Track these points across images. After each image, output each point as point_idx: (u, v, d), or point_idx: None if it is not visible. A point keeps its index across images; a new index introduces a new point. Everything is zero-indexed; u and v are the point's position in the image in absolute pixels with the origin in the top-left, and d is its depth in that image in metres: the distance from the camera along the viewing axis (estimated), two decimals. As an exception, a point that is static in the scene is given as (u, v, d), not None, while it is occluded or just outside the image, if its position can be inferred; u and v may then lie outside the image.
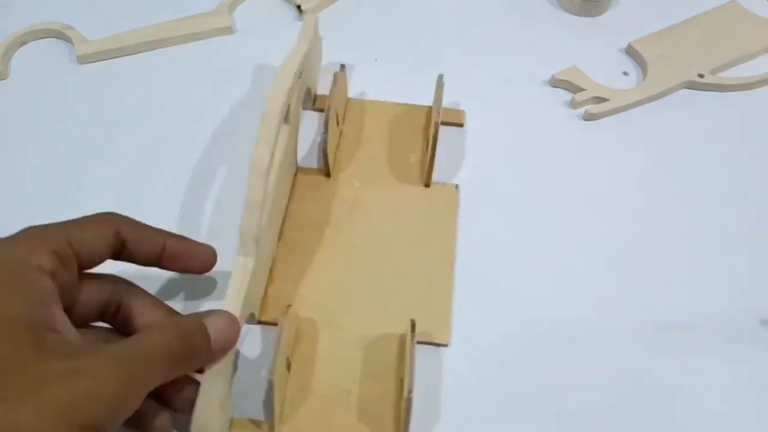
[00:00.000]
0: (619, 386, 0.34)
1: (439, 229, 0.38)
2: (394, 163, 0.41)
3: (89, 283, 0.28)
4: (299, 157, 0.42)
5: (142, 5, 0.52)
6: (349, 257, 0.37)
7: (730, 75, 0.47)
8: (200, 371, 0.28)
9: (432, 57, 0.48)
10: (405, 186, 0.40)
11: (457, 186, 0.40)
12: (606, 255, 0.39)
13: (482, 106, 0.45)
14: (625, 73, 0.48)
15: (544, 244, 0.39)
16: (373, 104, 0.44)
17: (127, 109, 0.45)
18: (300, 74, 0.36)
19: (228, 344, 0.27)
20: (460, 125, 0.44)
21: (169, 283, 0.36)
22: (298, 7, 0.51)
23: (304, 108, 0.44)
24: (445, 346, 0.34)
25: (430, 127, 0.40)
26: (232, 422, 0.31)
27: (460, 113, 0.44)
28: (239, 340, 0.29)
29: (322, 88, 0.45)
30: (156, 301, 0.30)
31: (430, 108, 0.44)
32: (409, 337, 0.31)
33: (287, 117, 0.36)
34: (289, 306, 0.32)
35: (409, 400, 0.29)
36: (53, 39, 0.50)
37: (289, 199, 0.39)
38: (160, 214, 0.40)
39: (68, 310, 0.25)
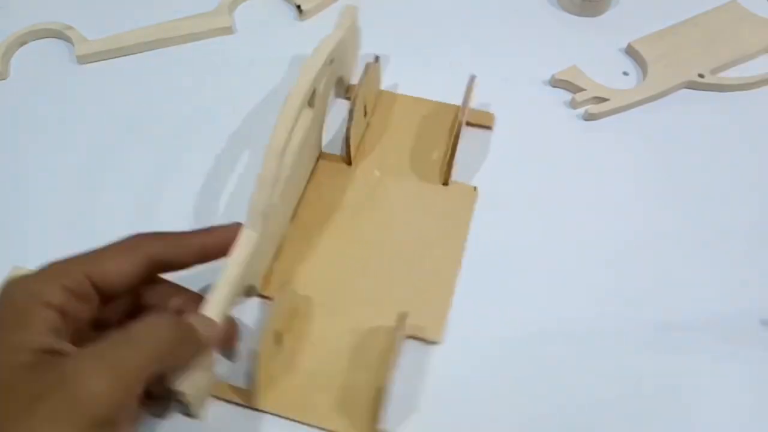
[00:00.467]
0: (618, 386, 0.34)
1: (451, 229, 0.39)
2: (415, 159, 0.41)
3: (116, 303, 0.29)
4: (324, 143, 0.42)
5: (142, 5, 0.52)
6: (357, 245, 0.38)
7: (730, 75, 0.47)
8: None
9: (432, 57, 0.48)
10: (424, 182, 0.40)
11: (475, 188, 0.40)
12: (606, 255, 0.39)
13: (482, 106, 0.45)
14: (625, 73, 0.48)
15: (543, 244, 0.39)
16: (405, 99, 0.45)
17: (127, 109, 0.45)
18: (331, 61, 0.37)
19: (214, 335, 0.29)
20: (489, 128, 0.44)
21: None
22: (298, 7, 0.51)
23: (337, 96, 0.44)
24: (437, 343, 0.35)
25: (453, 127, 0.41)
26: (214, 385, 0.32)
27: (489, 116, 0.44)
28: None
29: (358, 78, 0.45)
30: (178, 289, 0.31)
31: (458, 108, 0.43)
32: (396, 328, 0.32)
33: (312, 101, 0.36)
34: (287, 282, 0.33)
35: (385, 390, 0.30)
36: (53, 39, 0.50)
37: (308, 182, 0.40)
38: (159, 214, 0.40)
39: (95, 325, 0.28)
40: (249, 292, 0.35)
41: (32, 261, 0.37)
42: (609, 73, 0.48)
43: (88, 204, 0.40)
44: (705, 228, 0.40)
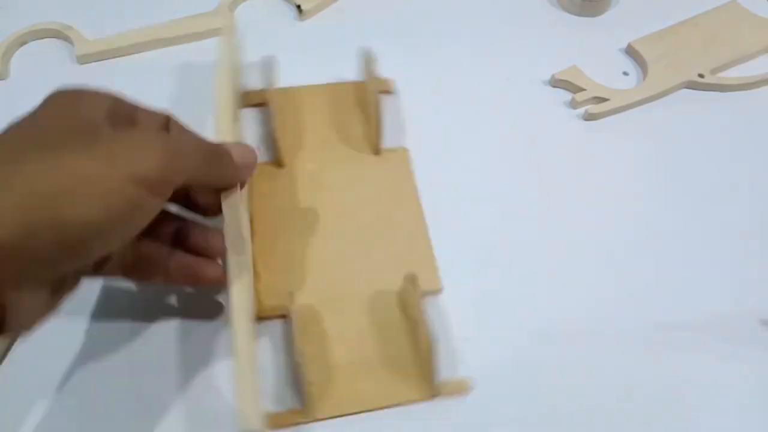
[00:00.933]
0: (619, 385, 0.34)
1: (400, 190, 0.40)
2: (340, 140, 0.42)
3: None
4: None
5: (142, 5, 0.52)
6: (324, 236, 0.38)
7: (730, 75, 0.47)
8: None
9: (432, 57, 0.48)
10: (357, 158, 0.41)
11: (405, 149, 0.42)
12: (605, 255, 0.39)
13: (482, 106, 0.45)
14: (625, 73, 0.48)
15: (543, 243, 0.39)
16: (304, 90, 0.45)
17: (127, 109, 0.45)
18: (233, 88, 0.39)
19: (249, 162, 0.31)
20: (390, 93, 0.45)
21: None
22: (298, 6, 0.51)
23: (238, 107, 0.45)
24: (439, 292, 0.36)
25: (366, 99, 0.42)
26: (266, 416, 0.32)
27: (389, 82, 0.46)
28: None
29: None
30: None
31: (358, 83, 0.45)
32: (411, 291, 0.33)
33: (235, 115, 0.37)
34: (291, 293, 0.34)
35: (433, 347, 0.31)
36: (53, 39, 0.50)
37: (250, 196, 0.39)
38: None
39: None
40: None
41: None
42: (609, 73, 0.48)
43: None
44: (705, 227, 0.40)
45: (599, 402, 0.33)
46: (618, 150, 0.43)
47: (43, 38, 0.50)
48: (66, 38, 0.49)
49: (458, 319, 0.36)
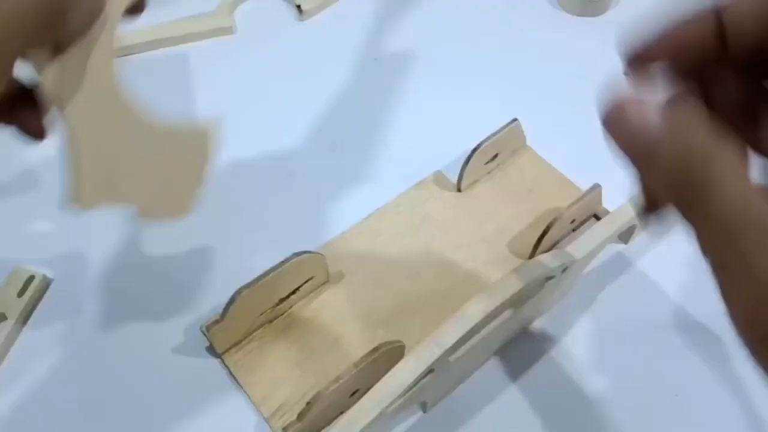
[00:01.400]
0: (617, 383, 0.34)
1: None
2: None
3: None
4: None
5: (142, 5, 0.52)
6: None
7: None
8: None
9: (432, 57, 0.48)
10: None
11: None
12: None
13: (482, 104, 0.45)
14: (626, 74, 0.48)
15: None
16: (537, 160, 0.42)
17: (128, 109, 0.45)
18: None
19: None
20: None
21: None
22: (298, 7, 0.51)
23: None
24: None
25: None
26: None
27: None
28: None
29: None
30: None
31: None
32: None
33: None
34: (311, 253, 0.33)
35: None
36: (53, 39, 0.50)
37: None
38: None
39: None
40: None
41: (34, 260, 0.37)
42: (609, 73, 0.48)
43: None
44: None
45: (599, 401, 0.33)
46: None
47: (43, 38, 0.50)
48: (66, 38, 0.49)
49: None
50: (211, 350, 0.33)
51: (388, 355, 0.30)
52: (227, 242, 0.38)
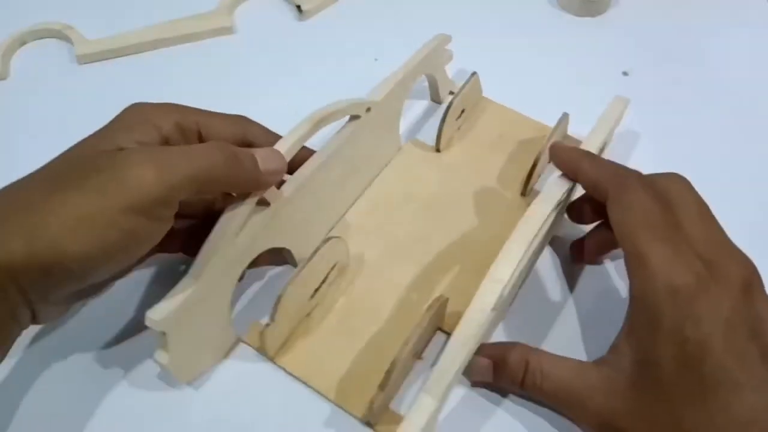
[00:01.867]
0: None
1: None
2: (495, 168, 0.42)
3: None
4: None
5: (142, 5, 0.52)
6: (423, 227, 0.38)
7: None
8: (262, 202, 0.31)
9: (432, 57, 0.48)
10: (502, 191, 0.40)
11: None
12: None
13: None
14: (625, 74, 0.48)
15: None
16: (497, 107, 0.45)
17: (127, 109, 0.45)
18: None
19: (274, 167, 0.30)
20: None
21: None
22: (298, 7, 0.51)
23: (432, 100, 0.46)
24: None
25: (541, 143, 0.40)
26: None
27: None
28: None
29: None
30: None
31: (540, 125, 0.44)
32: (430, 312, 0.31)
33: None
34: (333, 238, 0.33)
35: (395, 368, 0.29)
36: (53, 39, 0.50)
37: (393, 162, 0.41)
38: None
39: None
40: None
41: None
42: (609, 73, 0.48)
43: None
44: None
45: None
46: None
47: (43, 38, 0.50)
48: (66, 38, 0.49)
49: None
50: (259, 354, 0.33)
51: (439, 311, 0.32)
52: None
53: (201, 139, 0.31)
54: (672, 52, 0.50)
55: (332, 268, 0.34)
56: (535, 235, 0.30)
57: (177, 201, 0.27)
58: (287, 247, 0.35)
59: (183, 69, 0.48)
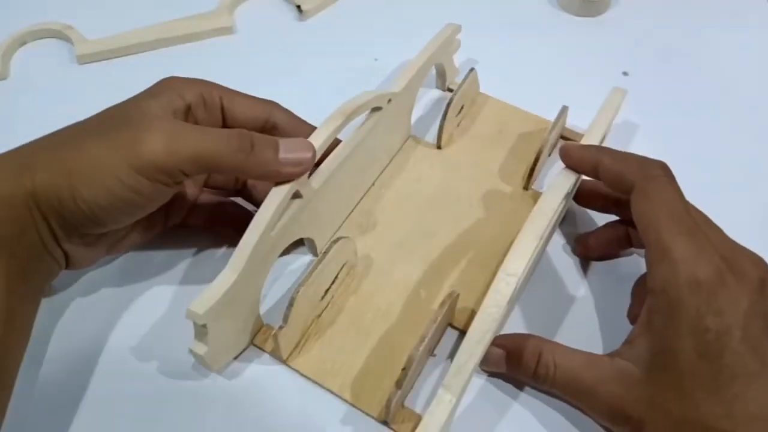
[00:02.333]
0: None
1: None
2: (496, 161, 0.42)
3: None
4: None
5: (142, 5, 0.52)
6: (426, 222, 0.38)
7: None
8: (296, 195, 0.31)
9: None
10: (502, 184, 0.40)
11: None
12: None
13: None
14: (625, 74, 0.48)
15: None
16: (495, 102, 0.45)
17: (127, 109, 0.45)
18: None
19: (297, 158, 0.30)
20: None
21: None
22: (298, 7, 0.51)
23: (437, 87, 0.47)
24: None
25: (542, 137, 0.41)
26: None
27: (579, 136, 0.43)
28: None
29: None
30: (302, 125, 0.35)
31: (541, 119, 0.44)
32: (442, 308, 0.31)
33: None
34: (342, 238, 0.33)
35: (410, 368, 0.29)
36: (53, 39, 0.50)
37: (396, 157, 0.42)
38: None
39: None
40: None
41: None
42: (609, 72, 0.48)
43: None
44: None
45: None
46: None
47: (43, 38, 0.50)
48: (66, 38, 0.49)
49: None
50: (272, 357, 0.33)
51: (452, 306, 0.32)
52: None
53: (224, 114, 0.33)
54: (672, 52, 0.50)
55: (341, 268, 0.34)
56: (545, 228, 0.30)
57: (179, 173, 0.28)
58: (312, 237, 0.35)
59: (183, 69, 0.47)
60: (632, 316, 0.34)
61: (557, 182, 0.33)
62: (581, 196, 0.37)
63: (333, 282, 0.34)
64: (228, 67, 0.48)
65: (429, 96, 0.46)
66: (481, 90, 0.45)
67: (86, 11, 0.51)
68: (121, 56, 0.48)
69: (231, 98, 0.33)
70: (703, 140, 0.44)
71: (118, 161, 0.27)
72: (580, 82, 0.47)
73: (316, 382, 0.32)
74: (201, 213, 0.36)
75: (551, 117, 0.41)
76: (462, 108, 0.43)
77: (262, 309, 0.34)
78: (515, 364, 0.31)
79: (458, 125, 0.43)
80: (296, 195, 0.32)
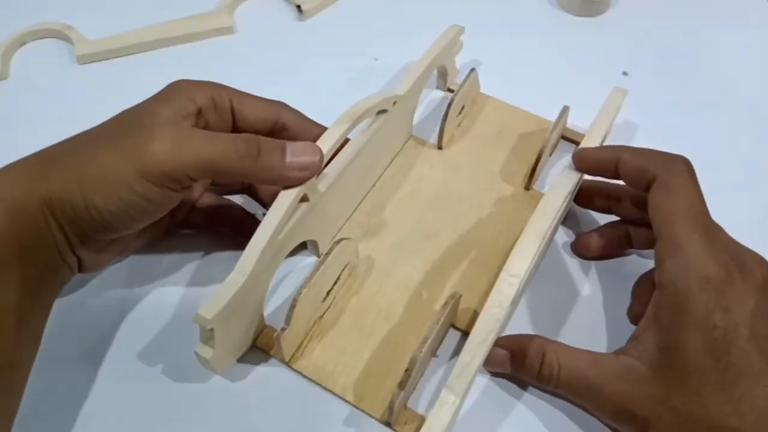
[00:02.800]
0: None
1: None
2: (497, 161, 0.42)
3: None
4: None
5: (142, 5, 0.52)
6: (427, 224, 0.38)
7: None
8: (303, 198, 0.31)
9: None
10: (504, 185, 0.40)
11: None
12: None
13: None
14: (625, 74, 0.48)
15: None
16: (496, 102, 0.45)
17: (127, 109, 0.45)
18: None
19: (306, 164, 0.30)
20: (577, 143, 0.41)
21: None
22: (298, 7, 0.51)
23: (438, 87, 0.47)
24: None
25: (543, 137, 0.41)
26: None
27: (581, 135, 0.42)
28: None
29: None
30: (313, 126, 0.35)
31: (542, 119, 0.44)
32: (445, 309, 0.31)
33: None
34: (344, 239, 0.33)
35: (413, 369, 0.29)
36: (53, 39, 0.50)
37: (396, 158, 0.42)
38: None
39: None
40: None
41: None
42: (609, 72, 0.48)
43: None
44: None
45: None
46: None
47: (43, 38, 0.50)
48: (66, 38, 0.49)
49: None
50: (274, 359, 0.33)
51: (454, 307, 0.32)
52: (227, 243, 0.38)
53: (234, 116, 0.33)
54: (672, 52, 0.50)
55: (343, 269, 0.34)
56: (548, 228, 0.30)
57: (187, 179, 0.28)
58: (315, 239, 0.35)
59: (183, 69, 0.47)
60: (632, 316, 0.34)
61: (559, 182, 0.33)
62: (581, 197, 0.38)
63: (335, 283, 0.34)
64: (228, 67, 0.48)
65: (430, 97, 0.46)
66: (482, 90, 0.45)
67: (86, 11, 0.51)
68: (121, 56, 0.48)
69: (241, 100, 0.34)
70: (703, 140, 0.44)
71: (128, 169, 0.28)
72: (580, 82, 0.47)
73: (318, 384, 0.32)
74: (202, 212, 0.36)
75: (552, 117, 0.41)
76: (463, 108, 0.43)
77: (264, 311, 0.34)
78: (519, 364, 0.31)
79: (459, 126, 0.43)
80: (303, 198, 0.32)
